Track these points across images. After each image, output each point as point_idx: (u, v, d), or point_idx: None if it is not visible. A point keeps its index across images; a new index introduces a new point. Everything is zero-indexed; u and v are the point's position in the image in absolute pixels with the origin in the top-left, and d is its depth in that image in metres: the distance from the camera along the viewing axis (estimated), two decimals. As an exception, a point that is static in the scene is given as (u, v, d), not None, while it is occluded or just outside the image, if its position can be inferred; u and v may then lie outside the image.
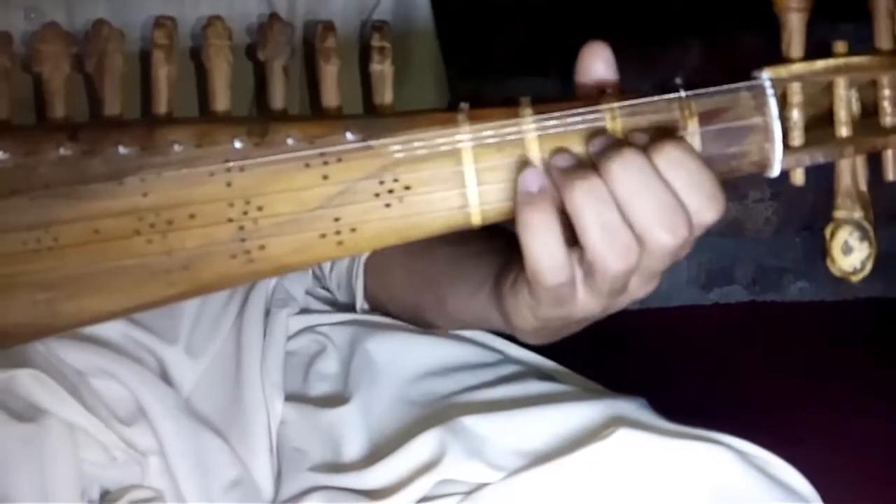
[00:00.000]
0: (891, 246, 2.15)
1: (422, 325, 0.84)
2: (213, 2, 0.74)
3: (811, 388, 1.79)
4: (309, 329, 0.87)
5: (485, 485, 0.70)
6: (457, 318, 0.76)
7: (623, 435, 0.69)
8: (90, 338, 0.79)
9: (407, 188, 0.60)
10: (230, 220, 0.59)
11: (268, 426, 0.81)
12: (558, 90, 1.93)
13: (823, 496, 0.72)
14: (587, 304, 0.60)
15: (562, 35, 1.94)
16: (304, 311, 0.88)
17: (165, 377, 0.82)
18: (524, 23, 1.96)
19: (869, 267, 0.62)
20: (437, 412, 0.77)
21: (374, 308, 0.87)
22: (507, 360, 0.84)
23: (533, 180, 0.57)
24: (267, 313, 0.86)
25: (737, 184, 2.10)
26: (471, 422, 0.74)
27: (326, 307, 0.90)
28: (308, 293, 0.91)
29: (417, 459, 0.73)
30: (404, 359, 0.83)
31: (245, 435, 0.81)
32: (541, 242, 0.57)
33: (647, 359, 1.82)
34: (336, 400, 0.82)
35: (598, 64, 0.60)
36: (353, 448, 0.78)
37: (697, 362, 1.84)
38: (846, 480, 1.40)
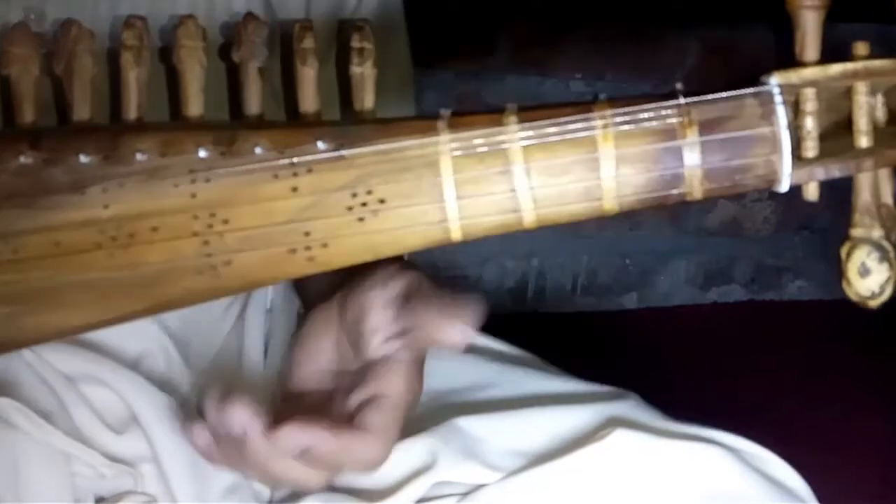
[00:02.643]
0: None
1: None
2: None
3: (809, 387, 1.77)
4: None
5: (482, 486, 0.70)
6: None
7: (619, 436, 0.69)
8: (80, 340, 0.77)
9: (381, 201, 0.56)
10: (195, 234, 0.56)
11: None
12: (558, 90, 1.90)
13: (820, 494, 0.71)
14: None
15: (561, 35, 1.91)
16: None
17: (166, 375, 0.80)
18: (523, 22, 1.92)
19: (889, 291, 0.56)
20: (433, 413, 0.75)
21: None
22: (503, 357, 0.82)
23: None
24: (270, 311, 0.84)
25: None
26: (467, 423, 0.73)
27: None
28: None
29: (414, 461, 0.71)
30: None
31: None
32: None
33: (645, 358, 1.81)
34: None
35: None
36: None
37: (696, 361, 1.83)
38: (843, 479, 1.42)
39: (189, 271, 0.57)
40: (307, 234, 0.56)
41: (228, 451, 0.62)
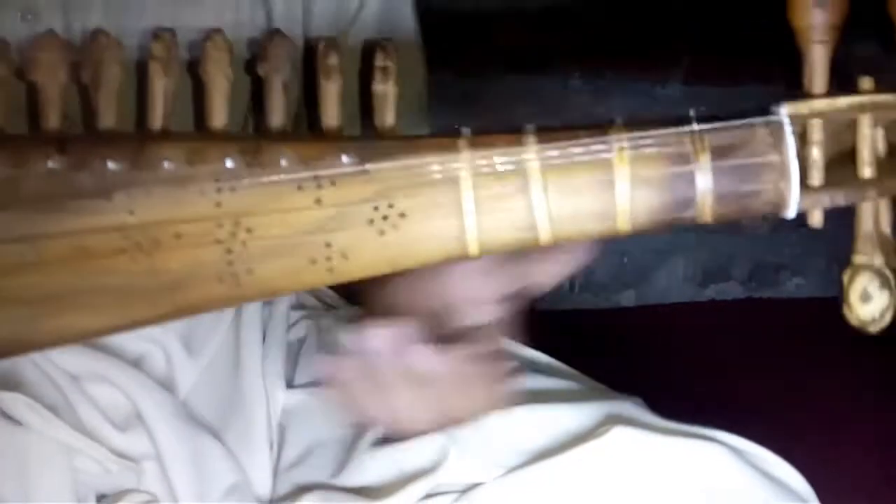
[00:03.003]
0: None
1: None
2: (211, 10, 0.73)
3: (807, 386, 1.78)
4: (303, 318, 0.86)
5: (480, 483, 0.70)
6: None
7: (618, 433, 0.69)
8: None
9: (402, 215, 0.57)
10: (218, 242, 0.57)
11: (268, 419, 0.81)
12: (557, 89, 1.92)
13: (820, 493, 0.72)
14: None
15: (560, 33, 1.92)
16: (299, 306, 0.87)
17: (168, 374, 0.81)
18: (524, 22, 1.94)
19: (889, 317, 0.58)
20: None
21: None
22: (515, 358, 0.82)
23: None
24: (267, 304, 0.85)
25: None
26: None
27: (319, 303, 0.89)
28: None
29: (417, 461, 0.72)
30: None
31: (244, 429, 0.81)
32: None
33: (643, 355, 1.81)
34: None
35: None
36: (369, 435, 0.77)
37: (694, 359, 1.84)
38: (842, 477, 1.40)
39: (210, 279, 0.58)
40: (328, 245, 0.57)
41: (360, 381, 0.64)
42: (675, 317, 2.04)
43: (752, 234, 2.11)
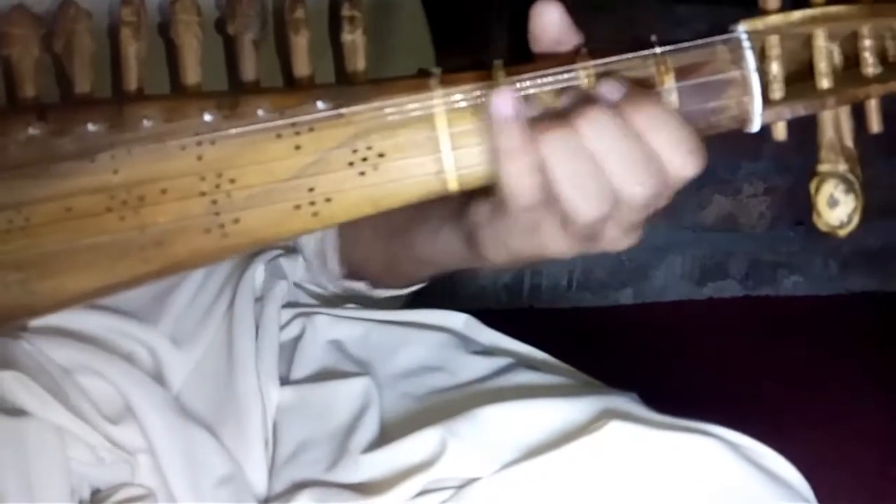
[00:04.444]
0: (884, 240, 2.16)
1: (398, 278, 0.83)
2: None
3: (805, 382, 1.79)
4: (297, 316, 0.86)
5: (476, 478, 0.69)
6: (425, 259, 0.76)
7: (614, 427, 0.68)
8: (76, 333, 0.78)
9: (381, 156, 0.59)
10: (202, 194, 0.58)
11: (263, 417, 0.80)
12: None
13: (816, 488, 0.71)
14: (559, 244, 0.60)
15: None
16: (292, 304, 0.87)
17: (157, 371, 0.80)
18: (518, 14, 1.94)
19: (856, 220, 0.61)
20: (430, 408, 0.76)
21: (352, 273, 0.86)
22: (499, 352, 0.83)
23: (506, 103, 0.57)
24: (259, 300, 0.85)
25: (731, 179, 2.10)
26: (463, 417, 0.73)
27: (314, 301, 0.89)
28: (297, 285, 0.90)
29: (413, 457, 0.72)
30: (396, 352, 0.82)
31: (239, 427, 0.80)
32: (516, 167, 0.57)
33: (641, 352, 1.82)
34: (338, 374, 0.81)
35: (549, 24, 0.59)
36: (364, 431, 0.77)
37: (691, 356, 1.85)
38: (839, 472, 1.44)
39: (198, 231, 0.59)
40: (311, 189, 0.59)
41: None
42: (673, 314, 2.05)
43: (749, 231, 2.13)
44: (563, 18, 0.60)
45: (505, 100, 0.57)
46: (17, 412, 0.72)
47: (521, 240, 0.61)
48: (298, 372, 0.83)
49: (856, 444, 1.63)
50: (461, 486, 0.70)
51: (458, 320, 0.85)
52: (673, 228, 2.04)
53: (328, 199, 0.59)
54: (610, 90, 0.57)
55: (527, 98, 0.58)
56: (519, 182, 0.57)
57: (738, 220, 2.12)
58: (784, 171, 2.10)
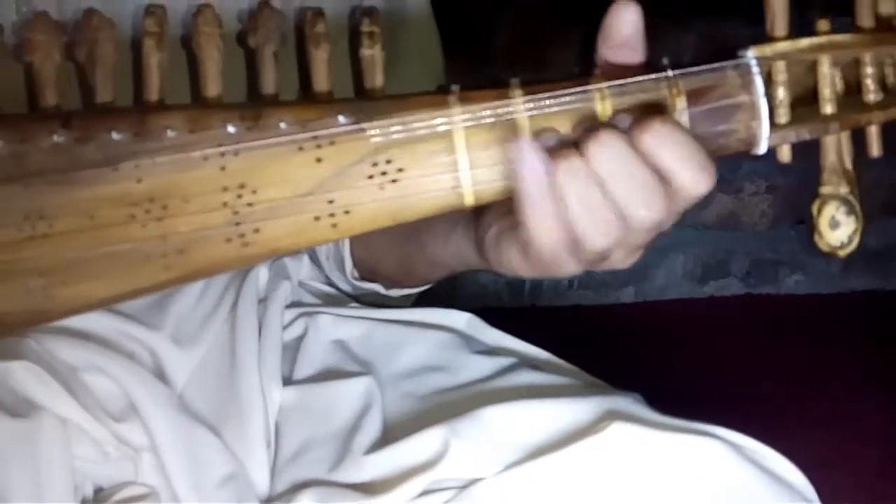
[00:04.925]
0: (885, 239, 2.19)
1: (412, 278, 0.84)
2: None
3: (806, 382, 1.80)
4: (300, 316, 0.87)
5: (479, 479, 0.70)
6: (437, 261, 0.77)
7: (617, 428, 0.68)
8: (81, 333, 0.78)
9: (400, 170, 0.60)
10: (224, 205, 0.60)
11: (265, 417, 0.81)
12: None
13: (818, 488, 0.72)
14: (569, 268, 0.62)
15: (558, 29, 1.95)
16: (296, 304, 0.88)
17: (159, 372, 0.81)
18: (520, 17, 1.96)
19: (856, 241, 0.63)
20: (433, 408, 0.77)
21: (365, 275, 0.87)
22: (502, 351, 0.84)
23: (531, 152, 0.58)
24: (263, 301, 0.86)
25: (732, 178, 2.12)
26: (466, 417, 0.73)
27: (317, 300, 0.90)
28: (301, 285, 0.91)
29: (416, 457, 0.72)
30: (399, 352, 0.83)
31: (241, 427, 0.80)
32: (539, 214, 0.58)
33: (642, 351, 1.82)
34: (341, 374, 0.82)
35: (625, 23, 0.61)
36: (366, 431, 0.78)
37: (693, 355, 1.85)
38: (841, 473, 1.44)
39: (218, 240, 0.60)
40: (331, 202, 0.60)
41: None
42: (675, 313, 2.04)
43: (751, 230, 2.12)
44: (640, 22, 0.61)
45: (530, 154, 0.58)
46: (24, 412, 0.72)
47: (535, 270, 0.63)
48: (301, 372, 0.83)
49: (858, 444, 1.63)
50: (464, 487, 0.70)
51: (461, 319, 0.86)
52: (674, 227, 2.04)
53: (347, 212, 0.60)
54: (620, 118, 0.59)
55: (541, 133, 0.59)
56: (543, 223, 0.58)
57: (739, 218, 2.12)
58: (786, 170, 2.11)
